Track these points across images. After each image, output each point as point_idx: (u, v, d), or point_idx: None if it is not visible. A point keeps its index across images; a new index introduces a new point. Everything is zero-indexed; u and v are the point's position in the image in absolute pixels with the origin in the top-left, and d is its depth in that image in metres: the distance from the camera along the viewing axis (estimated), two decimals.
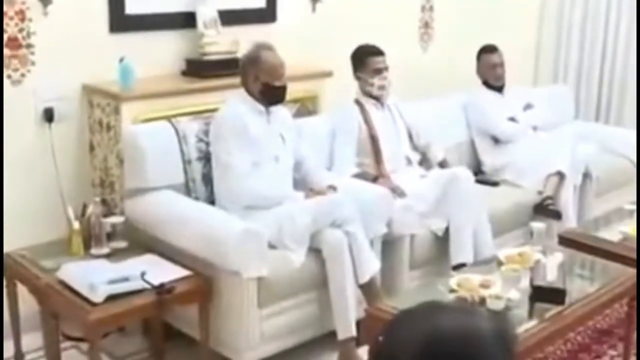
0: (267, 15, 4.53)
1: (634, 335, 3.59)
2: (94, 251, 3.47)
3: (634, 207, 4.23)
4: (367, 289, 3.65)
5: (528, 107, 5.16)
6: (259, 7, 4.50)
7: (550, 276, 3.21)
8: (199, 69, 4.12)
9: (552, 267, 3.28)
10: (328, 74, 4.49)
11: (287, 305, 3.48)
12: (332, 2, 4.83)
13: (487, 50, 5.06)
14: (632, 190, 5.14)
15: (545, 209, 4.68)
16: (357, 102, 4.39)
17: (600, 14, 6.08)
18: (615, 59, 6.06)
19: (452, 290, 3.16)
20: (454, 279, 3.26)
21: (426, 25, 5.44)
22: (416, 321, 1.25)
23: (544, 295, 3.11)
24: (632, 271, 3.48)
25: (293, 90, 3.99)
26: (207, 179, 3.81)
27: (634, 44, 5.91)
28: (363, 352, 3.45)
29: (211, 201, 3.78)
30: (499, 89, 5.10)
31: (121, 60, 3.81)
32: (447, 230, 4.15)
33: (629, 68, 6.00)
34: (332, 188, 3.83)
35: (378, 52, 4.36)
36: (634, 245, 3.79)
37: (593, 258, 3.66)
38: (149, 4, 4.05)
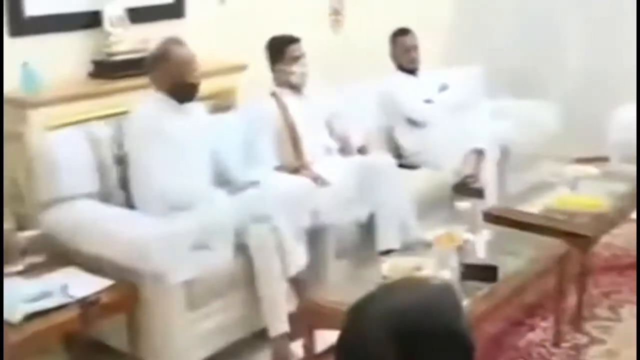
0: (175, 10, 4.42)
1: (565, 304, 3.63)
2: (7, 269, 3.30)
3: (555, 179, 4.29)
4: (296, 282, 3.61)
5: (443, 88, 5.18)
6: (167, 3, 4.39)
7: (480, 254, 3.23)
8: (108, 70, 3.98)
9: (481, 244, 3.29)
10: (242, 68, 4.41)
11: (216, 306, 3.41)
12: None
13: (401, 33, 5.05)
14: (548, 162, 5.25)
15: (466, 188, 4.70)
16: (274, 94, 4.32)
17: None
18: (530, 37, 6.18)
19: (384, 277, 3.12)
20: (386, 265, 3.23)
21: (336, 12, 5.40)
22: (375, 308, 1.26)
23: (476, 273, 3.10)
24: (558, 242, 3.52)
25: (207, 86, 3.90)
26: (125, 183, 3.68)
27: (546, 21, 6.04)
28: (296, 346, 3.40)
29: (130, 206, 3.66)
30: (414, 72, 5.10)
31: (24, 65, 3.65)
32: (371, 216, 4.13)
33: (541, 44, 6.13)
34: (254, 183, 3.76)
35: (294, 39, 4.32)
36: (557, 216, 3.84)
37: (519, 232, 3.69)
38: (50, 4, 3.88)
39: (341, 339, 1.28)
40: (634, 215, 4.21)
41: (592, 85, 6.17)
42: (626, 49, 6.08)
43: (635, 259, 4.40)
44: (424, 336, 1.22)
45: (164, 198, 3.53)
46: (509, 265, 3.30)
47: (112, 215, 3.49)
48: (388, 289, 1.34)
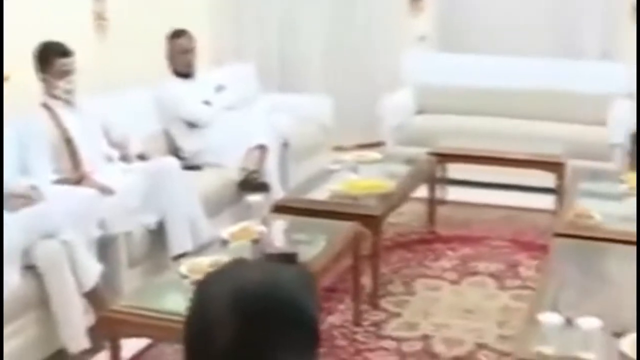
0: None
1: (361, 283, 3.74)
2: None
3: (337, 166, 4.42)
4: (92, 296, 3.50)
5: (220, 88, 5.16)
6: None
7: (278, 243, 3.26)
8: None
9: (277, 234, 3.34)
10: (4, 79, 4.12)
11: (8, 332, 3.20)
12: None
13: (177, 35, 4.97)
14: (327, 152, 5.46)
15: (251, 184, 4.73)
16: (45, 105, 4.09)
17: None
18: (298, 31, 6.34)
19: (184, 277, 3.07)
20: (184, 266, 3.18)
21: (99, 16, 5.20)
22: (220, 283, 1.25)
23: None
24: (349, 225, 3.62)
25: None
26: None
27: (319, 12, 6.24)
28: (100, 358, 3.29)
29: None
30: (189, 74, 5.03)
31: None
32: (161, 222, 4.07)
33: (312, 39, 6.32)
34: (34, 188, 3.56)
35: (67, 52, 4.05)
36: (345, 200, 3.97)
37: (310, 220, 3.76)
38: None
39: (188, 313, 1.26)
40: (415, 194, 4.44)
41: (358, 78, 6.46)
42: (381, 47, 6.45)
43: (421, 236, 4.66)
44: (265, 312, 1.20)
45: None
46: (305, 252, 3.36)
47: None
48: (237, 265, 1.31)
